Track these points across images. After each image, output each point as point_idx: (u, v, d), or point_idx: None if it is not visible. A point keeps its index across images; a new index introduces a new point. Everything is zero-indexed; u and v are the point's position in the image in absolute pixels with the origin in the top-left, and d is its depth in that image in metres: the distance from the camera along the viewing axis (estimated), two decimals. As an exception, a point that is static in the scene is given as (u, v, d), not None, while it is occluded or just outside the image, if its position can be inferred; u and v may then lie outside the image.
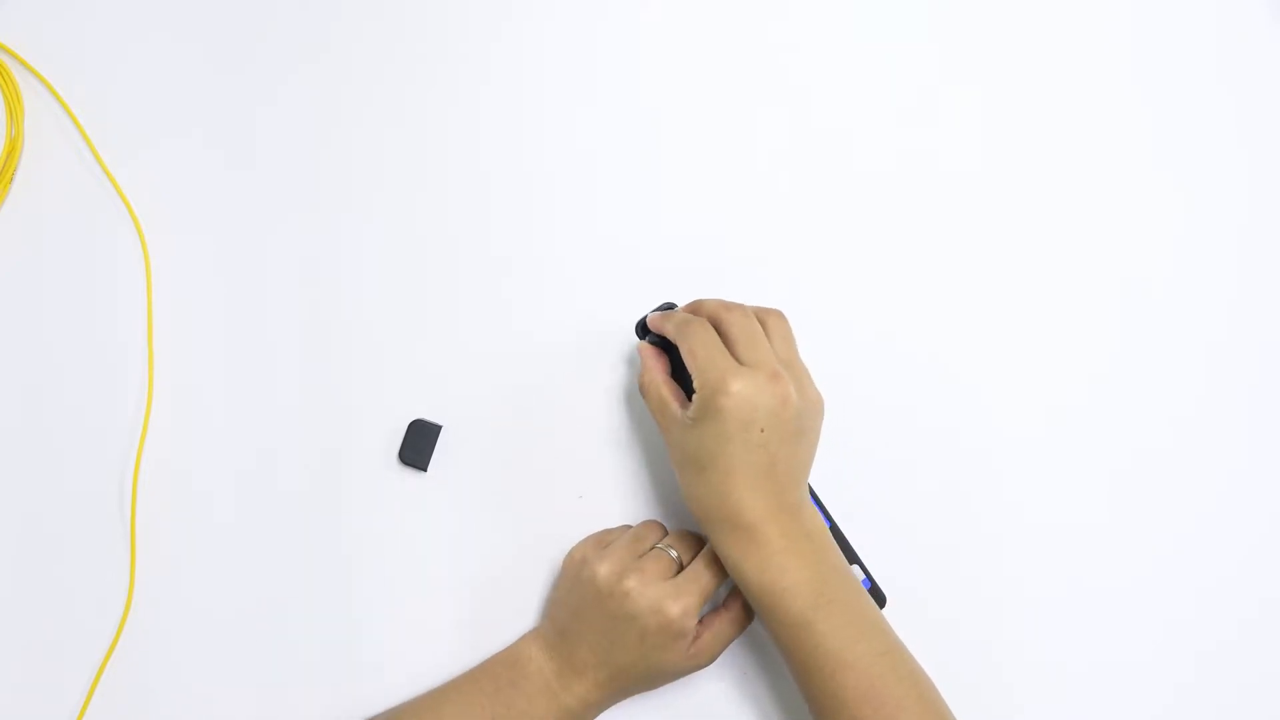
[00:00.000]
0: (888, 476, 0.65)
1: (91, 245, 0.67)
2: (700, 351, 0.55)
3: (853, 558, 0.61)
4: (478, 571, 0.64)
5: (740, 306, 0.58)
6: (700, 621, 0.57)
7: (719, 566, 0.57)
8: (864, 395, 0.66)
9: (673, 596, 0.55)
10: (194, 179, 0.68)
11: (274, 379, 0.65)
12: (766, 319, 0.58)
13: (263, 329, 0.66)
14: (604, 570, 0.57)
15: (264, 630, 0.63)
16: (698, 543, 0.60)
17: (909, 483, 0.65)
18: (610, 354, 0.66)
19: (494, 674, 0.59)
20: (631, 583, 0.56)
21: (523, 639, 0.60)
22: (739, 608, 0.58)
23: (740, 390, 0.53)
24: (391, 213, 0.68)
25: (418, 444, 0.64)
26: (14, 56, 0.68)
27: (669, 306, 0.62)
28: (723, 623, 0.58)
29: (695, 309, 0.59)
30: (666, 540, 0.59)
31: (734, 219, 0.68)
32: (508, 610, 0.63)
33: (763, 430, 0.53)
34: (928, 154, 0.69)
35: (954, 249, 0.68)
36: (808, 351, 0.67)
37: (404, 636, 0.63)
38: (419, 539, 0.64)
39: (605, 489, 0.64)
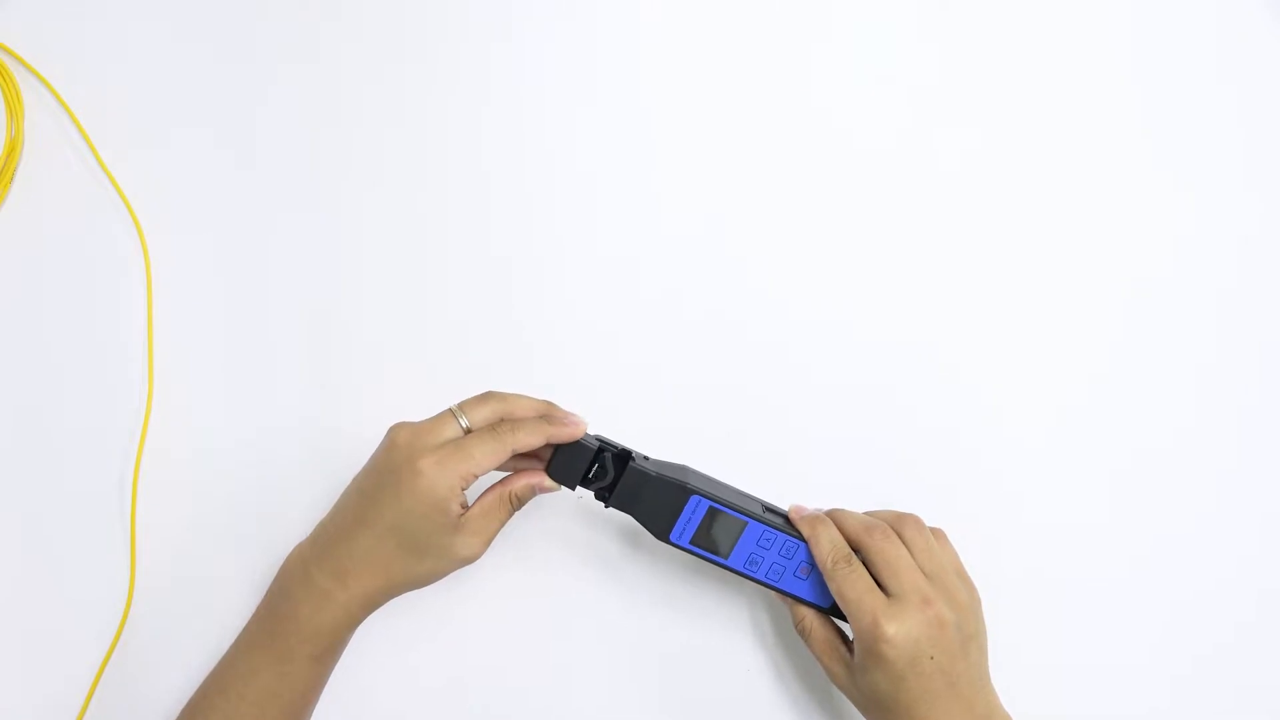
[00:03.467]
0: (887, 475, 0.65)
1: (91, 245, 0.66)
2: (849, 594, 0.54)
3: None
4: (476, 571, 0.64)
5: (880, 526, 0.56)
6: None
7: (501, 443, 0.53)
8: (863, 395, 0.66)
9: (433, 453, 0.52)
10: (194, 178, 0.68)
11: (274, 379, 0.65)
12: (903, 530, 0.56)
13: (262, 329, 0.66)
14: (387, 431, 0.54)
15: (264, 630, 0.63)
16: (494, 413, 0.55)
17: (908, 481, 0.65)
18: (610, 356, 0.66)
19: (257, 634, 0.56)
20: (401, 435, 0.53)
21: (278, 574, 0.56)
22: (520, 486, 0.55)
23: (896, 633, 0.53)
24: (391, 212, 0.68)
25: (417, 444, 0.64)
26: (14, 56, 0.68)
27: (598, 450, 0.56)
28: (493, 499, 0.55)
29: (839, 523, 0.57)
30: (463, 404, 0.55)
31: (733, 219, 0.68)
32: (507, 609, 0.63)
33: (932, 658, 0.53)
34: (928, 155, 0.69)
35: (954, 250, 0.68)
36: (806, 354, 0.67)
37: (403, 636, 0.63)
38: (419, 539, 0.64)
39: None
